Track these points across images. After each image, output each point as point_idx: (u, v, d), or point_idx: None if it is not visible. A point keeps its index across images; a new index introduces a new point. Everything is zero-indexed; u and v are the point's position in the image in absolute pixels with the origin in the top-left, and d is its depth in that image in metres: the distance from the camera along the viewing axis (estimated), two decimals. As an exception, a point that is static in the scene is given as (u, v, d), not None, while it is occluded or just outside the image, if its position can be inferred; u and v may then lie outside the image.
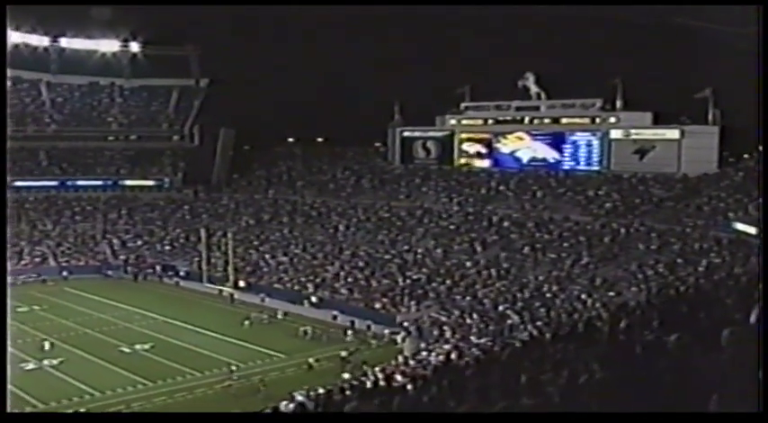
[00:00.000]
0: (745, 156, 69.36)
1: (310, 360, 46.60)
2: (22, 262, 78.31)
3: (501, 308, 54.19)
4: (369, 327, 55.15)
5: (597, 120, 75.42)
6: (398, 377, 31.31)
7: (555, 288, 56.58)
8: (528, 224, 69.34)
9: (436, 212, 76.70)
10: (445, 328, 51.87)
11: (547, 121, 78.91)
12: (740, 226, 55.26)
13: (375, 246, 73.44)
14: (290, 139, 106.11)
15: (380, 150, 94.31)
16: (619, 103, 74.36)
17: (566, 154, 76.99)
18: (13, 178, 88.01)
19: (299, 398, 33.16)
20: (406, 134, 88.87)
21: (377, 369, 40.27)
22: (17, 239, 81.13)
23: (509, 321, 50.77)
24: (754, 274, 20.74)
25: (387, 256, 70.31)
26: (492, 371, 15.85)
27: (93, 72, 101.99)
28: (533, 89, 79.06)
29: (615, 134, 73.66)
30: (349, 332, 54.12)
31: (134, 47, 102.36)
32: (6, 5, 29.10)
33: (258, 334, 54.81)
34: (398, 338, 51.77)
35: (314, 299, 63.96)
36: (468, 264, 65.22)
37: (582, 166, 75.84)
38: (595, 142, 75.06)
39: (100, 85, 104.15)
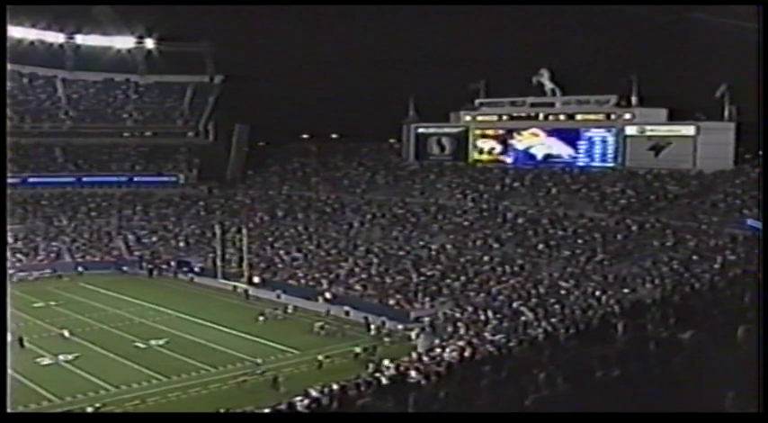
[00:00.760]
0: (761, 152, 68.90)
1: (319, 357, 46.55)
2: (38, 258, 78.77)
3: (515, 304, 54.07)
4: (383, 323, 55.12)
5: (612, 116, 75.18)
6: (412, 373, 31.31)
7: (569, 285, 56.43)
8: (542, 221, 69.21)
9: (450, 209, 76.62)
10: (459, 324, 51.81)
11: (562, 117, 78.71)
12: (756, 223, 54.98)
13: (389, 242, 73.43)
14: (305, 136, 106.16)
15: (395, 147, 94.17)
16: (634, 100, 74.15)
17: (580, 150, 76.79)
18: (29, 174, 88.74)
19: (314, 393, 33.19)
20: (420, 130, 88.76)
21: (391, 365, 40.24)
22: (33, 235, 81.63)
23: (523, 318, 50.65)
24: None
25: (401, 253, 70.30)
26: (506, 367, 15.84)
27: (108, 69, 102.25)
28: (548, 85, 78.84)
29: (630, 130, 73.44)
30: (372, 327, 54.18)
31: (149, 43, 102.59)
32: (6, 5, 29.13)
33: (272, 330, 54.87)
34: (412, 335, 51.73)
35: (328, 295, 64.00)
36: (483, 260, 65.15)
37: (597, 163, 75.64)
38: (610, 139, 74.85)
39: (115, 82, 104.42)
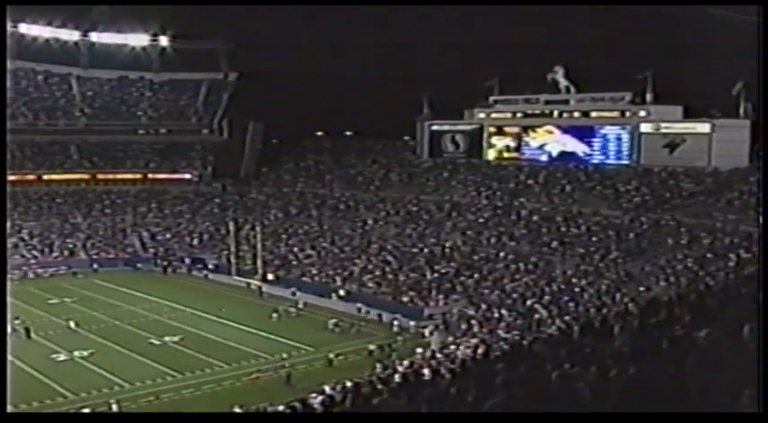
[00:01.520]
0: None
1: (330, 355, 46.63)
2: (53, 255, 79.14)
3: (529, 302, 54.01)
4: (397, 320, 55.16)
5: (627, 113, 74.92)
6: (426, 371, 31.28)
7: (583, 282, 56.30)
8: (557, 218, 69.05)
9: (464, 206, 76.54)
10: (473, 321, 51.83)
11: (576, 114, 78.48)
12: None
13: (403, 239, 73.42)
14: (319, 133, 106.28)
15: (409, 144, 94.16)
16: (649, 97, 73.86)
17: (595, 148, 76.56)
18: (44, 171, 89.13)
19: (328, 390, 33.21)
20: (434, 128, 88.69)
21: (405, 362, 40.28)
22: (48, 232, 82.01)
23: (537, 315, 50.60)
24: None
25: (415, 250, 70.26)
26: (520, 365, 15.80)
27: (122, 66, 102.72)
28: (563, 82, 78.65)
29: (645, 128, 73.15)
30: (395, 323, 54.27)
31: (163, 41, 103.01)
32: (6, 5, 29.30)
33: (286, 327, 54.97)
34: (426, 332, 51.75)
35: (342, 292, 64.07)
36: (497, 258, 65.07)
37: (611, 160, 75.39)
38: (625, 136, 74.59)
39: (129, 79, 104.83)
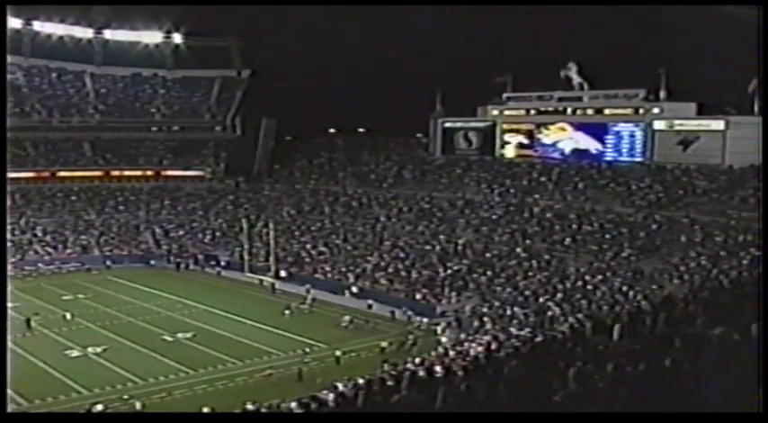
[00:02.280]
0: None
1: (337, 353, 46.59)
2: (67, 251, 79.39)
3: (542, 299, 53.95)
4: (409, 317, 55.16)
5: (640, 110, 74.62)
6: (438, 368, 31.28)
7: (596, 280, 56.18)
8: (569, 216, 68.92)
9: (477, 203, 76.48)
10: (485, 319, 51.80)
11: (589, 111, 78.23)
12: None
13: (416, 236, 73.40)
14: (332, 130, 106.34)
15: (422, 141, 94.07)
16: (662, 94, 73.50)
17: (608, 145, 76.29)
18: (58, 168, 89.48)
19: (341, 387, 33.27)
20: (447, 125, 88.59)
21: (417, 359, 40.28)
22: (62, 229, 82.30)
23: (550, 313, 50.54)
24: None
25: (427, 247, 70.23)
26: (533, 363, 15.80)
27: (136, 63, 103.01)
28: (576, 79, 78.38)
29: (659, 125, 72.85)
30: (417, 318, 54.39)
31: (177, 38, 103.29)
32: (6, 5, 29.42)
33: (299, 323, 55.05)
34: (438, 329, 51.74)
35: (355, 289, 64.11)
36: (509, 255, 64.98)
37: (625, 158, 75.13)
38: (638, 133, 74.32)
39: (143, 77, 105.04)
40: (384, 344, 48.15)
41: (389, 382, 20.38)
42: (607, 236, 63.78)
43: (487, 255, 66.02)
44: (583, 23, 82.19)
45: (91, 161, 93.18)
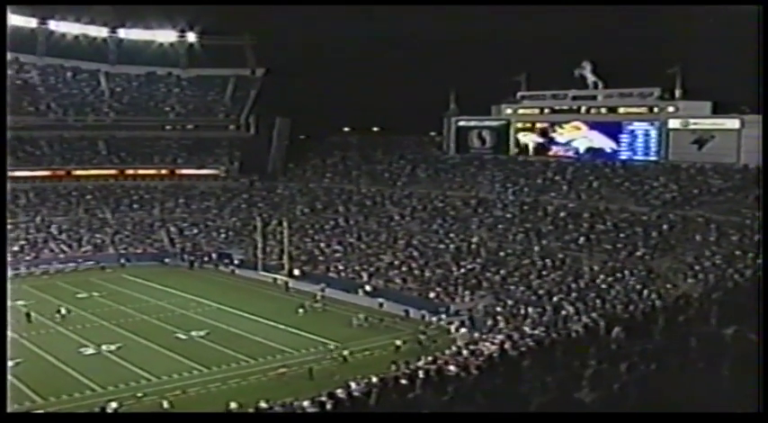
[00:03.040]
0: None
1: (344, 352, 46.56)
2: (82, 249, 79.67)
3: (555, 298, 53.85)
4: (423, 316, 55.15)
5: (655, 109, 74.40)
6: (451, 367, 31.28)
7: (610, 279, 56.05)
8: (584, 214, 68.76)
9: (491, 202, 76.37)
10: (499, 317, 51.73)
11: (604, 110, 78.05)
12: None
13: (429, 235, 73.38)
14: (346, 129, 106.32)
15: (436, 140, 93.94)
16: (677, 92, 73.27)
17: (623, 144, 76.08)
18: (73, 167, 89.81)
19: (354, 386, 33.28)
20: (461, 123, 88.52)
21: (430, 358, 40.26)
22: (77, 227, 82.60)
23: (563, 312, 50.44)
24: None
25: (441, 246, 70.22)
26: (547, 362, 15.74)
27: (150, 62, 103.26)
28: (590, 78, 78.18)
29: (673, 124, 72.62)
30: (441, 318, 54.36)
31: (191, 37, 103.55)
32: (6, 5, 29.52)
33: (312, 322, 55.11)
34: (452, 328, 51.72)
35: (368, 288, 64.12)
36: (523, 254, 64.90)
37: (639, 156, 74.92)
38: (653, 132, 74.08)
39: (157, 75, 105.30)
40: (398, 342, 48.22)
41: (403, 381, 20.37)
42: (621, 235, 63.63)
43: (501, 253, 65.98)
44: (597, 22, 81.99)
45: (106, 160, 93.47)
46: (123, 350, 48.18)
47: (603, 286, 54.93)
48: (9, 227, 78.91)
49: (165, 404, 36.93)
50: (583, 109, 79.34)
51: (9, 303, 58.04)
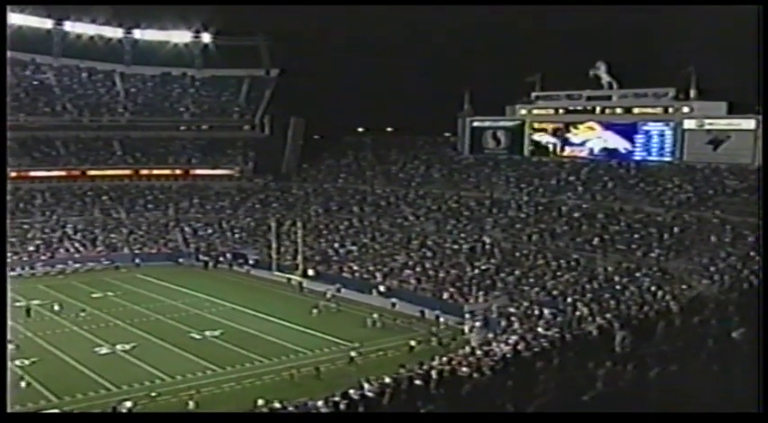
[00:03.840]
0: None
1: (352, 353, 46.42)
2: (97, 249, 79.98)
3: (570, 299, 53.69)
4: (437, 317, 55.07)
5: (670, 109, 74.09)
6: (464, 368, 31.26)
7: (625, 280, 55.86)
8: (598, 215, 68.58)
9: (505, 202, 76.25)
10: (513, 318, 51.60)
11: (619, 110, 77.74)
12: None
13: (444, 235, 73.31)
14: (360, 129, 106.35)
15: (450, 140, 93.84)
16: (692, 93, 72.90)
17: (637, 144, 75.77)
18: (88, 167, 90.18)
19: (367, 387, 33.28)
20: (475, 124, 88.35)
21: (444, 359, 40.20)
22: (91, 227, 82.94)
23: (578, 313, 50.27)
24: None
25: (455, 246, 70.14)
26: (561, 363, 15.72)
27: (165, 63, 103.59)
28: (605, 78, 77.90)
29: (688, 124, 72.27)
30: (436, 319, 54.18)
31: (206, 37, 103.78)
32: (6, 5, 29.59)
33: (326, 322, 55.14)
34: (466, 328, 51.65)
35: (382, 288, 64.10)
36: (537, 254, 64.76)
37: (654, 157, 74.61)
38: (668, 132, 73.78)
39: (172, 76, 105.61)
40: (413, 343, 48.21)
41: (415, 382, 20.40)
42: (636, 236, 63.41)
43: (515, 254, 65.87)
44: (612, 22, 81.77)
45: (120, 160, 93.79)
46: (138, 350, 48.31)
47: (618, 287, 54.73)
48: (25, 226, 79.70)
49: (191, 404, 36.86)
50: (597, 109, 79.08)
51: (23, 303, 59.20)
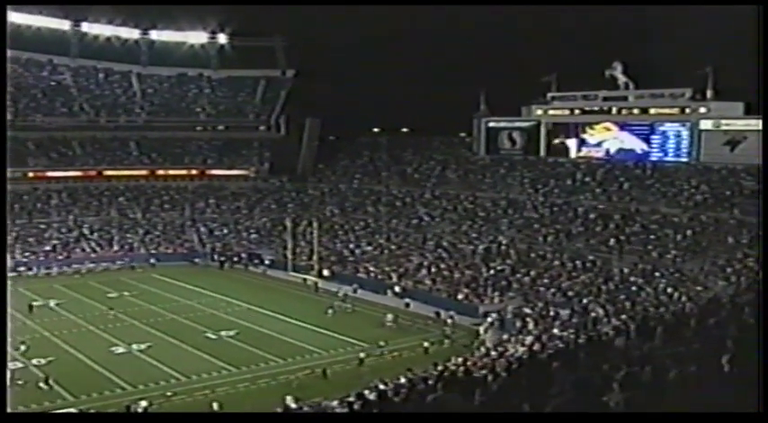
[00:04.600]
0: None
1: (361, 355, 46.38)
2: (113, 249, 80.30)
3: (585, 300, 53.51)
4: (452, 317, 54.95)
5: (687, 110, 73.73)
6: (479, 368, 31.17)
7: (641, 281, 55.66)
8: (614, 216, 68.36)
9: (521, 203, 76.15)
10: (528, 319, 51.46)
11: (635, 111, 77.41)
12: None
13: (459, 236, 73.28)
14: (375, 129, 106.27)
15: (465, 141, 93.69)
16: (709, 93, 72.49)
17: (654, 145, 75.46)
18: (105, 167, 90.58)
19: (382, 387, 33.23)
20: (491, 124, 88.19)
21: (459, 360, 40.14)
22: (108, 227, 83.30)
23: (593, 314, 50.07)
24: None
25: (470, 247, 70.08)
26: (576, 364, 15.67)
27: (181, 63, 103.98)
28: (621, 79, 77.61)
29: (705, 125, 71.90)
30: (450, 320, 54.14)
31: (222, 38, 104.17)
32: (6, 5, 29.67)
33: (341, 323, 55.15)
34: (481, 329, 51.56)
35: (397, 288, 64.06)
36: (553, 255, 64.63)
37: (670, 158, 74.29)
38: (685, 133, 73.44)
39: (188, 77, 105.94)
40: (426, 344, 48.18)
41: (430, 382, 20.36)
42: (652, 237, 63.22)
43: (531, 255, 65.75)
44: (628, 22, 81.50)
45: (137, 160, 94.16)
46: (153, 349, 48.44)
47: (634, 288, 54.54)
48: (42, 226, 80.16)
49: (215, 405, 36.82)
50: (614, 110, 78.76)
51: (40, 302, 59.59)
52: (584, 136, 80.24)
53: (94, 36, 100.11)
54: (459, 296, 59.93)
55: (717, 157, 70.26)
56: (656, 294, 52.29)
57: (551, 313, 52.10)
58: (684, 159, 73.10)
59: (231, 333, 52.47)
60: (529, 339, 43.69)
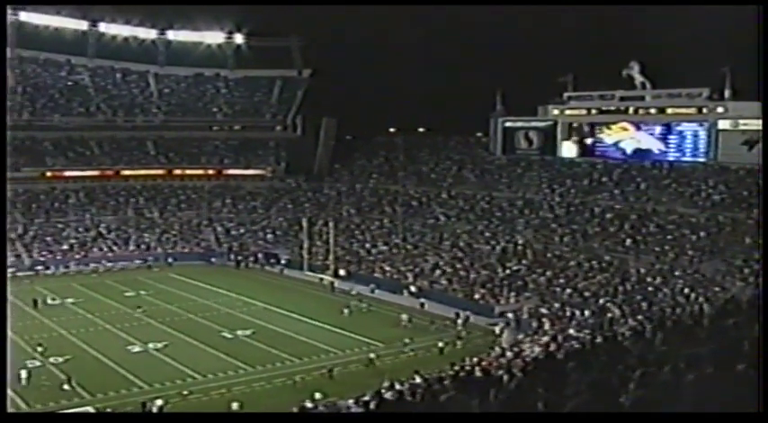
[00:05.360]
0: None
1: (371, 355, 46.26)
2: (130, 248, 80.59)
3: (602, 301, 53.36)
4: (467, 317, 54.87)
5: (704, 110, 73.38)
6: (495, 368, 31.13)
7: (657, 281, 55.44)
8: (631, 216, 68.15)
9: (537, 203, 76.03)
10: (544, 319, 51.36)
11: (652, 111, 77.13)
12: None
13: (475, 236, 73.19)
14: (392, 129, 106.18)
15: (482, 140, 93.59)
16: (727, 93, 72.14)
17: (671, 145, 75.19)
18: (122, 167, 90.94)
19: (398, 387, 33.24)
20: (507, 124, 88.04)
21: (474, 360, 40.10)
22: (125, 226, 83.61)
23: (609, 314, 49.94)
24: None
25: (486, 247, 70.01)
26: (593, 365, 15.63)
27: (198, 63, 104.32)
28: (638, 78, 77.34)
29: (723, 124, 71.52)
30: (459, 321, 54.05)
31: (238, 38, 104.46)
32: (6, 5, 29.81)
33: (357, 322, 55.16)
34: (497, 329, 51.50)
35: (413, 288, 64.02)
36: (569, 255, 64.47)
37: (688, 158, 73.98)
38: (702, 133, 73.11)
39: (205, 77, 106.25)
40: (441, 344, 48.14)
41: (446, 382, 20.37)
42: (669, 237, 62.98)
43: (547, 255, 65.63)
44: (645, 21, 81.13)
45: (154, 160, 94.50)
46: (170, 348, 48.59)
47: (650, 289, 54.35)
48: (59, 226, 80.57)
49: (235, 405, 36.82)
50: (630, 110, 78.49)
51: (57, 301, 59.96)
52: (601, 136, 79.96)
53: (112, 36, 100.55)
54: (476, 296, 59.88)
55: (734, 157, 69.84)
56: (672, 295, 52.08)
57: (567, 314, 52.02)
58: (702, 159, 72.77)
59: (247, 332, 52.57)
60: (545, 339, 43.63)
